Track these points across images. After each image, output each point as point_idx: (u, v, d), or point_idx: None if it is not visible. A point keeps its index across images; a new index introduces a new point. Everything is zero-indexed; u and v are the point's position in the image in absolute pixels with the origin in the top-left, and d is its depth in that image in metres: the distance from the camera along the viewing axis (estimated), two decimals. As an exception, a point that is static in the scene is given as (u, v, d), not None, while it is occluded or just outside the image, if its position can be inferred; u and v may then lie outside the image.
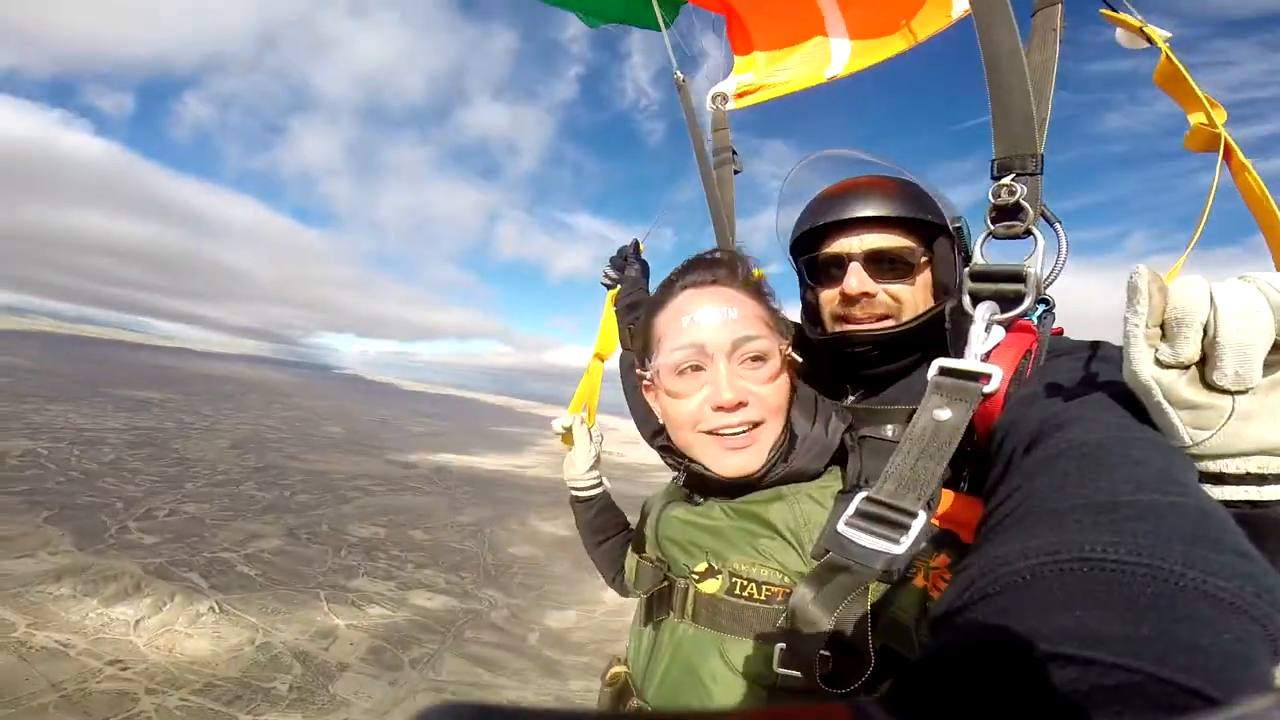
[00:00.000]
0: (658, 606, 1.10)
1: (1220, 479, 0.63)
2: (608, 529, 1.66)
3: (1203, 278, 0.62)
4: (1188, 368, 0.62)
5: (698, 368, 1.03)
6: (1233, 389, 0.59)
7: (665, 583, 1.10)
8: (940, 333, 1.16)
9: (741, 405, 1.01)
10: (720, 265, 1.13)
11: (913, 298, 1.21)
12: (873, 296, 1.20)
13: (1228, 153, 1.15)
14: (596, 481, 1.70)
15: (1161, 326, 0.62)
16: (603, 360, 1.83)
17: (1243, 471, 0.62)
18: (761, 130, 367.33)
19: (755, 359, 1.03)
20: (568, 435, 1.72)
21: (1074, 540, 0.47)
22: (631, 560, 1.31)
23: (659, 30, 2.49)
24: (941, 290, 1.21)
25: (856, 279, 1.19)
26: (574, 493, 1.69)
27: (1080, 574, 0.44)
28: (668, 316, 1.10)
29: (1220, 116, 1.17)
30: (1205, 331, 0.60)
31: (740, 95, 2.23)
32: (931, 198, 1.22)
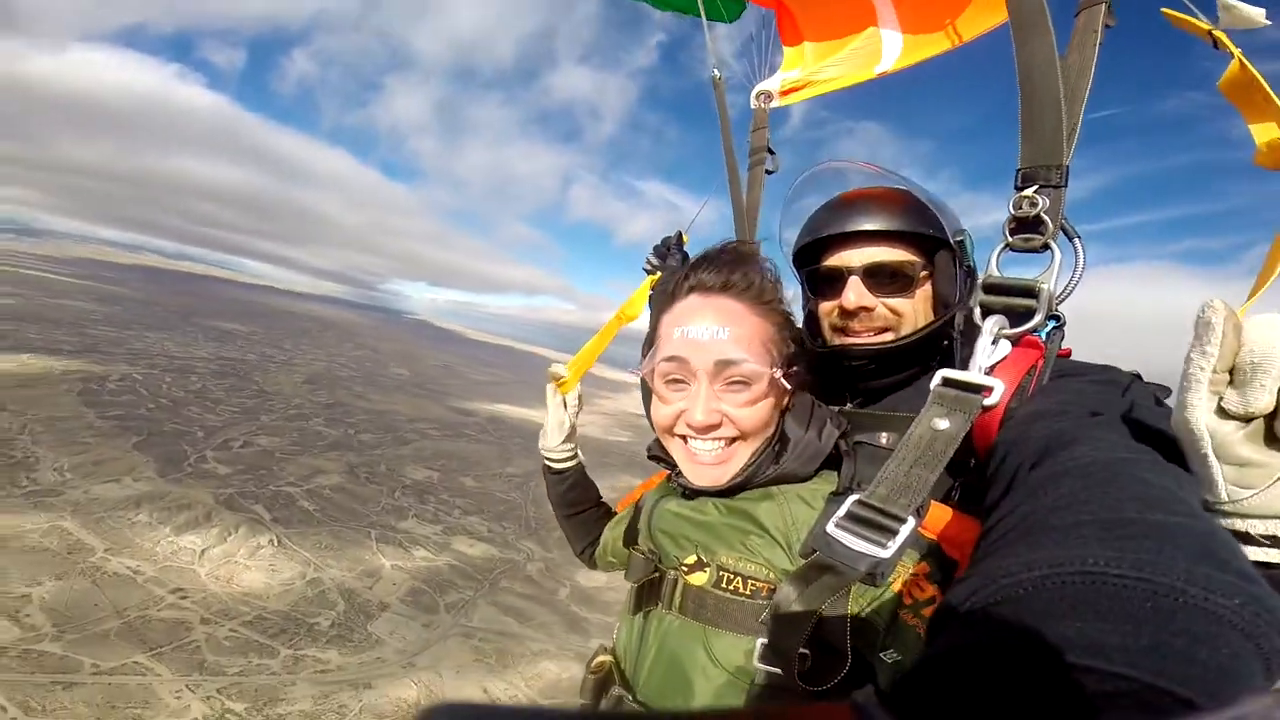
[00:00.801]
0: (647, 596, 1.13)
1: (1246, 539, 0.61)
2: (580, 503, 1.67)
3: None
4: (1249, 420, 0.59)
5: (682, 380, 1.05)
6: None
7: (656, 573, 1.12)
8: (939, 347, 1.20)
9: (714, 427, 1.02)
10: (735, 269, 1.09)
11: (912, 311, 1.20)
12: (871, 310, 1.20)
13: None
14: (570, 454, 1.69)
15: (1230, 371, 0.58)
16: (622, 321, 1.87)
17: (1271, 534, 0.61)
18: (855, 112, 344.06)
19: (738, 382, 1.02)
20: (560, 383, 1.69)
21: (1077, 554, 0.47)
22: (610, 536, 1.42)
23: (725, 21, 2.47)
24: (942, 304, 1.20)
25: (855, 293, 1.20)
26: (546, 463, 1.68)
27: (1082, 587, 0.44)
28: (669, 319, 1.10)
29: None
30: None
31: (785, 93, 2.21)
32: (933, 211, 1.20)
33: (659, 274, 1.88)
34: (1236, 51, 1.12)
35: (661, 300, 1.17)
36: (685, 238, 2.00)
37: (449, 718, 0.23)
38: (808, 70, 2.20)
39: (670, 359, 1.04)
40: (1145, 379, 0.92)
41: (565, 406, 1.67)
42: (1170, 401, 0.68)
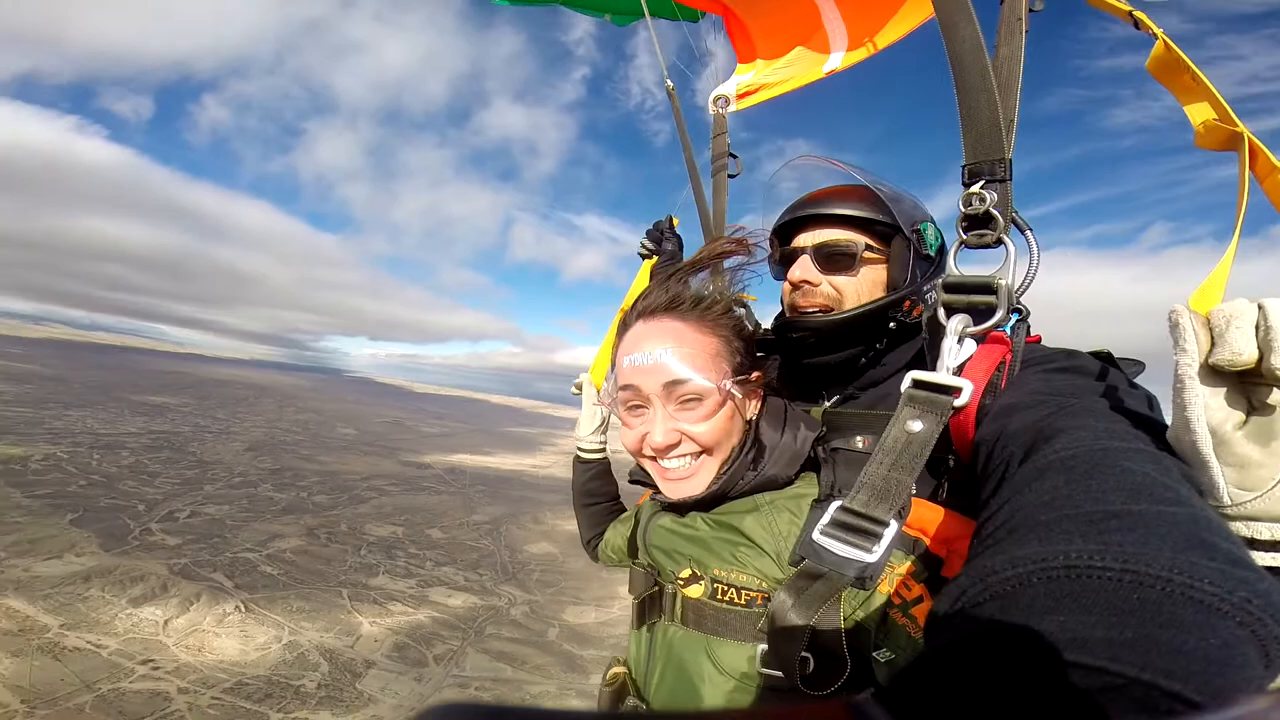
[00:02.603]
0: (650, 610, 1.15)
1: (1252, 544, 0.59)
2: (598, 495, 1.71)
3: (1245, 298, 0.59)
4: (1244, 398, 0.59)
5: (640, 405, 1.07)
6: None
7: (655, 587, 1.14)
8: (883, 328, 1.19)
9: (674, 446, 1.05)
10: (679, 285, 1.14)
11: (855, 290, 1.22)
12: (815, 285, 1.23)
13: (1253, 155, 0.95)
14: (600, 446, 1.74)
15: (1212, 368, 0.59)
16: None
17: (1277, 539, 0.59)
18: (783, 131, 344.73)
19: (690, 399, 1.04)
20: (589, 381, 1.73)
21: (1061, 549, 0.46)
22: (613, 534, 1.45)
23: (694, 20, 2.47)
24: (893, 288, 1.22)
25: (801, 269, 1.23)
26: (578, 451, 1.74)
27: (1066, 581, 0.44)
28: (621, 349, 1.13)
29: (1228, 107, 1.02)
30: (1258, 330, 0.56)
31: (742, 96, 2.24)
32: (891, 202, 1.23)
33: (656, 258, 1.92)
34: (1159, 32, 1.08)
35: (621, 331, 1.19)
36: (675, 221, 2.01)
37: (454, 716, 0.23)
38: (761, 73, 2.25)
39: (624, 388, 1.08)
40: (1115, 355, 0.93)
41: (596, 400, 1.72)
42: (1166, 408, 0.67)
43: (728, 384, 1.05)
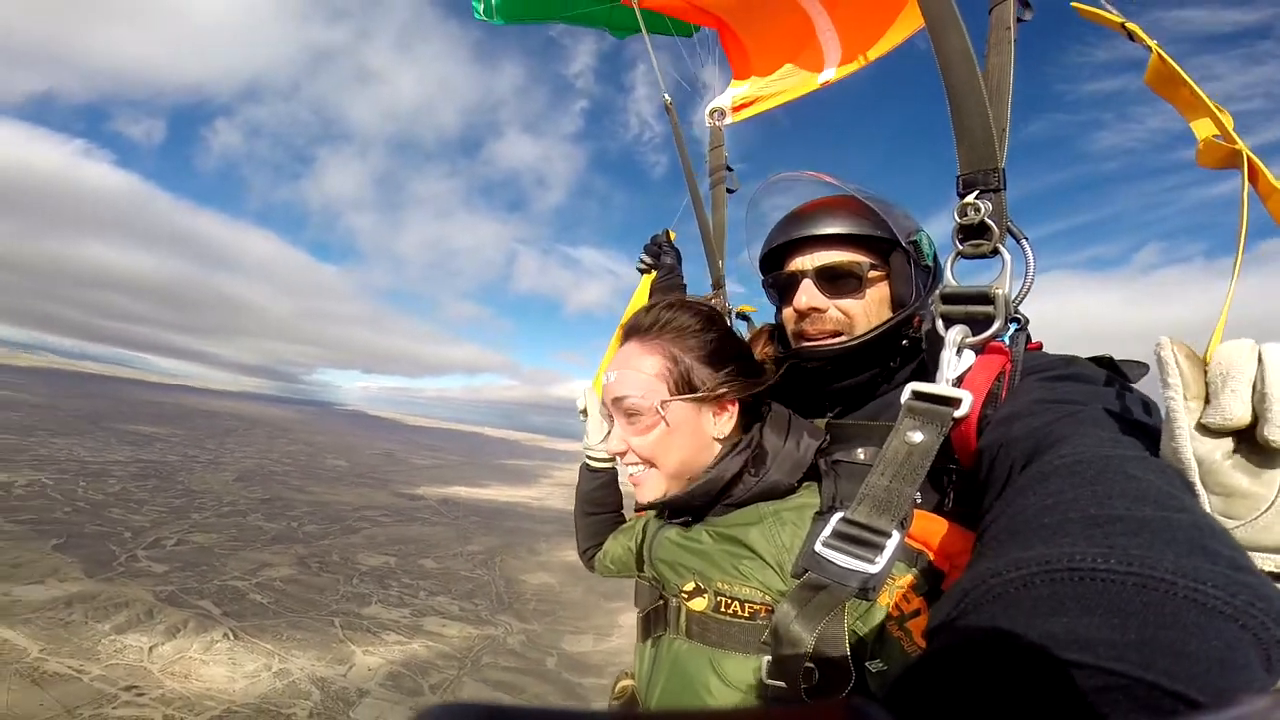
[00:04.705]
0: (655, 623, 1.17)
1: None
2: (602, 505, 1.70)
3: (1250, 340, 0.59)
4: (1235, 438, 0.59)
5: (613, 417, 1.17)
6: None
7: (660, 601, 1.16)
8: (896, 346, 1.20)
9: (622, 454, 1.14)
10: (648, 311, 1.20)
11: (864, 312, 1.21)
12: (823, 312, 1.22)
13: (1253, 174, 0.91)
14: (609, 455, 1.76)
15: (1207, 397, 0.59)
16: None
17: (1265, 570, 0.59)
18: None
19: (631, 415, 1.12)
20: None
21: (1065, 552, 0.46)
22: (612, 545, 1.52)
23: (687, 35, 2.51)
24: (899, 304, 1.21)
25: (806, 295, 1.22)
26: (587, 460, 1.73)
27: (1070, 583, 0.44)
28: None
29: (1227, 122, 0.97)
30: (1254, 389, 0.56)
31: (738, 108, 2.25)
32: (884, 215, 1.21)
33: (655, 273, 1.93)
34: (1153, 44, 1.05)
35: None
36: (673, 234, 2.01)
37: (452, 717, 0.22)
38: (756, 85, 2.25)
39: (601, 401, 1.20)
40: (1116, 360, 0.92)
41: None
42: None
43: (658, 402, 1.09)
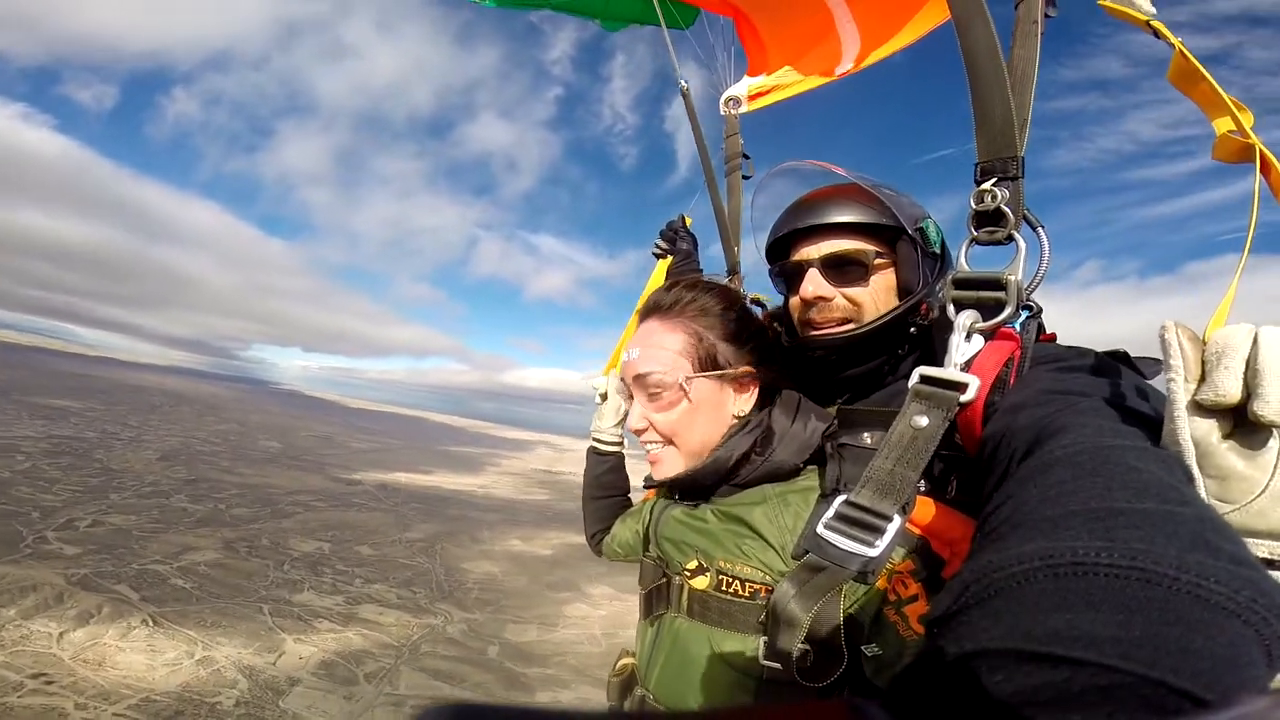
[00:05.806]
0: (657, 601, 1.18)
1: None
2: (610, 488, 1.72)
3: (1249, 324, 0.59)
4: (1231, 421, 0.60)
5: (633, 395, 1.20)
6: (1278, 420, 0.56)
7: (664, 579, 1.18)
8: (905, 334, 1.21)
9: (642, 431, 1.17)
10: (669, 291, 1.22)
11: (871, 300, 1.22)
12: (829, 300, 1.23)
13: (1265, 167, 0.94)
14: (618, 439, 1.75)
15: (1203, 376, 0.60)
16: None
17: (1260, 557, 0.59)
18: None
19: (653, 392, 1.14)
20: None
21: (1067, 545, 0.46)
22: (620, 529, 1.52)
23: (681, 28, 2.50)
24: (906, 292, 1.22)
25: (813, 284, 1.24)
26: (594, 442, 1.75)
27: (1073, 577, 0.44)
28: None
29: (1247, 120, 0.99)
30: (1248, 365, 0.57)
31: (754, 97, 2.26)
32: (890, 202, 1.23)
33: (671, 258, 1.96)
34: (1176, 41, 1.07)
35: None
36: (688, 220, 2.04)
37: (450, 717, 0.22)
38: (773, 75, 2.26)
39: (623, 379, 1.23)
40: (1131, 355, 0.92)
41: (621, 393, 1.74)
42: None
43: (682, 376, 1.11)
